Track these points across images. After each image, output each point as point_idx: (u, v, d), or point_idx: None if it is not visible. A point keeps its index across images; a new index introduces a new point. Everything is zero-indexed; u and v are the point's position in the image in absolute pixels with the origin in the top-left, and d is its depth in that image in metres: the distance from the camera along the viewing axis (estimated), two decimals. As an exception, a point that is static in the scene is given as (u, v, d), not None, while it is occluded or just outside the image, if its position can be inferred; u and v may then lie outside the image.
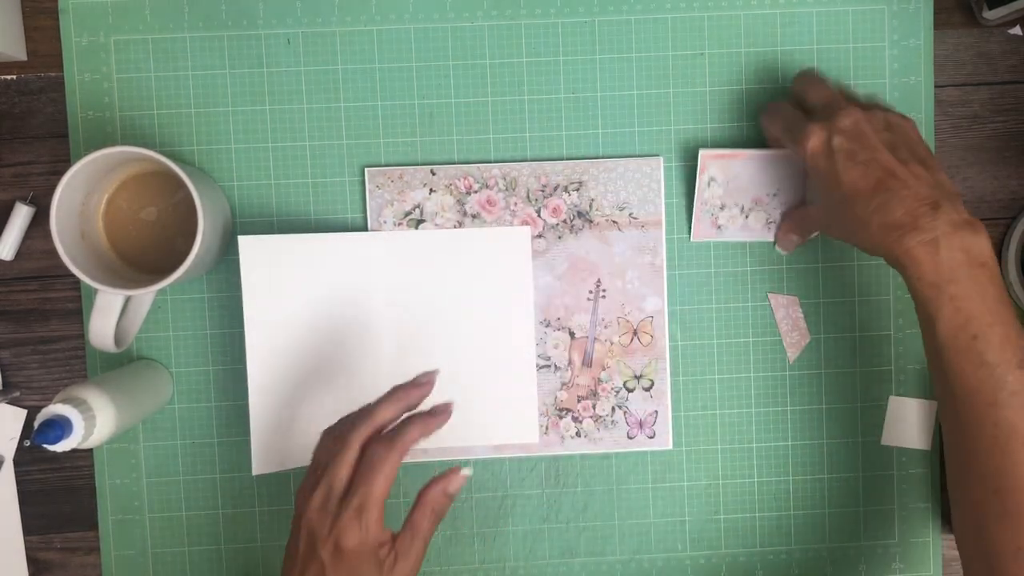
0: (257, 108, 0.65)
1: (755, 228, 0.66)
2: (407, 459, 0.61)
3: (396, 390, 0.56)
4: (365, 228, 0.66)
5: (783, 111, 0.61)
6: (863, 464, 0.67)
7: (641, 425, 0.66)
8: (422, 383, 0.56)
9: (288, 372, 0.62)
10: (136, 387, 0.62)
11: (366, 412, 0.55)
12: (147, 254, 0.62)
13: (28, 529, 0.66)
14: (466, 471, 0.55)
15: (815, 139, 0.57)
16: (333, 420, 0.63)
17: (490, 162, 0.66)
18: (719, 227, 0.65)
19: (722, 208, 0.65)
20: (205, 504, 0.66)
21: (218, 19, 0.65)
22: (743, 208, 0.65)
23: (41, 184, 0.66)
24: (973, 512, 0.53)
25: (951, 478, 0.56)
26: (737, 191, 0.65)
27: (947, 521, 0.68)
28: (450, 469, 0.55)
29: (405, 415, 0.56)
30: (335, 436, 0.54)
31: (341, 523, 0.51)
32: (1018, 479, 0.51)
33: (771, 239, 0.66)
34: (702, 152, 0.64)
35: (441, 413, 0.55)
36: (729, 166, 0.65)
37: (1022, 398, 0.52)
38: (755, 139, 0.66)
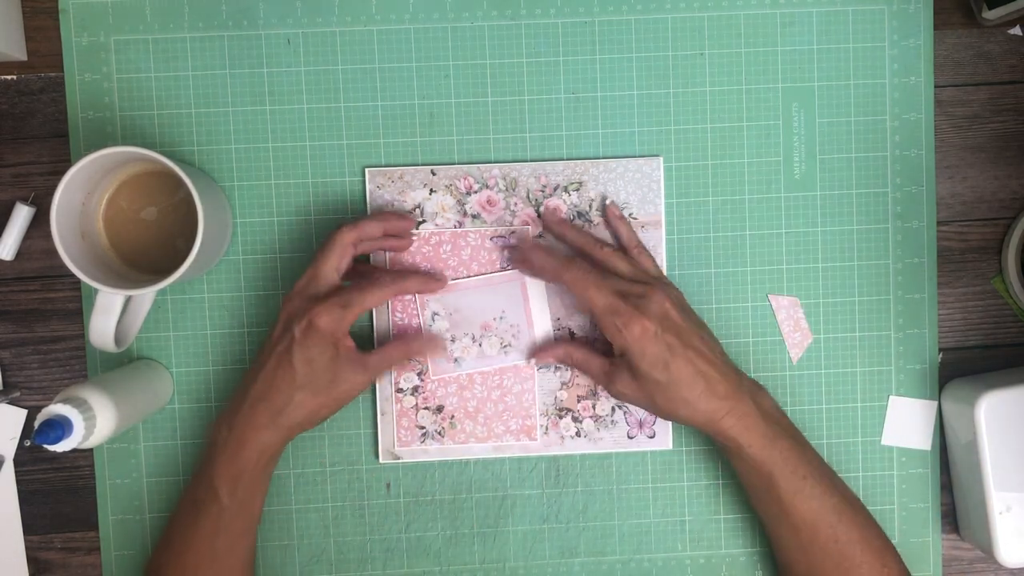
0: (257, 108, 0.65)
1: (492, 355, 0.65)
2: (408, 460, 0.61)
3: (382, 211, 0.64)
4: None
5: (592, 278, 0.59)
6: (863, 464, 0.67)
7: (641, 425, 0.66)
8: (405, 215, 0.64)
9: None
10: (136, 387, 0.62)
11: (354, 221, 0.60)
12: (147, 254, 0.62)
13: (28, 529, 0.66)
14: (446, 341, 0.64)
15: (640, 327, 0.57)
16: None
17: (490, 162, 0.66)
18: (456, 360, 0.65)
19: (453, 340, 0.65)
20: (205, 504, 0.66)
21: (218, 19, 0.65)
22: (474, 337, 0.65)
23: (41, 184, 0.66)
24: None
25: None
26: (463, 321, 0.65)
27: (947, 521, 0.68)
28: (430, 336, 0.64)
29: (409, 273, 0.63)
30: (324, 240, 0.61)
31: (321, 307, 0.57)
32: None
33: (512, 362, 0.65)
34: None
35: (439, 279, 0.64)
36: (448, 299, 0.65)
37: (847, 515, 0.60)
38: (755, 143, 0.66)
